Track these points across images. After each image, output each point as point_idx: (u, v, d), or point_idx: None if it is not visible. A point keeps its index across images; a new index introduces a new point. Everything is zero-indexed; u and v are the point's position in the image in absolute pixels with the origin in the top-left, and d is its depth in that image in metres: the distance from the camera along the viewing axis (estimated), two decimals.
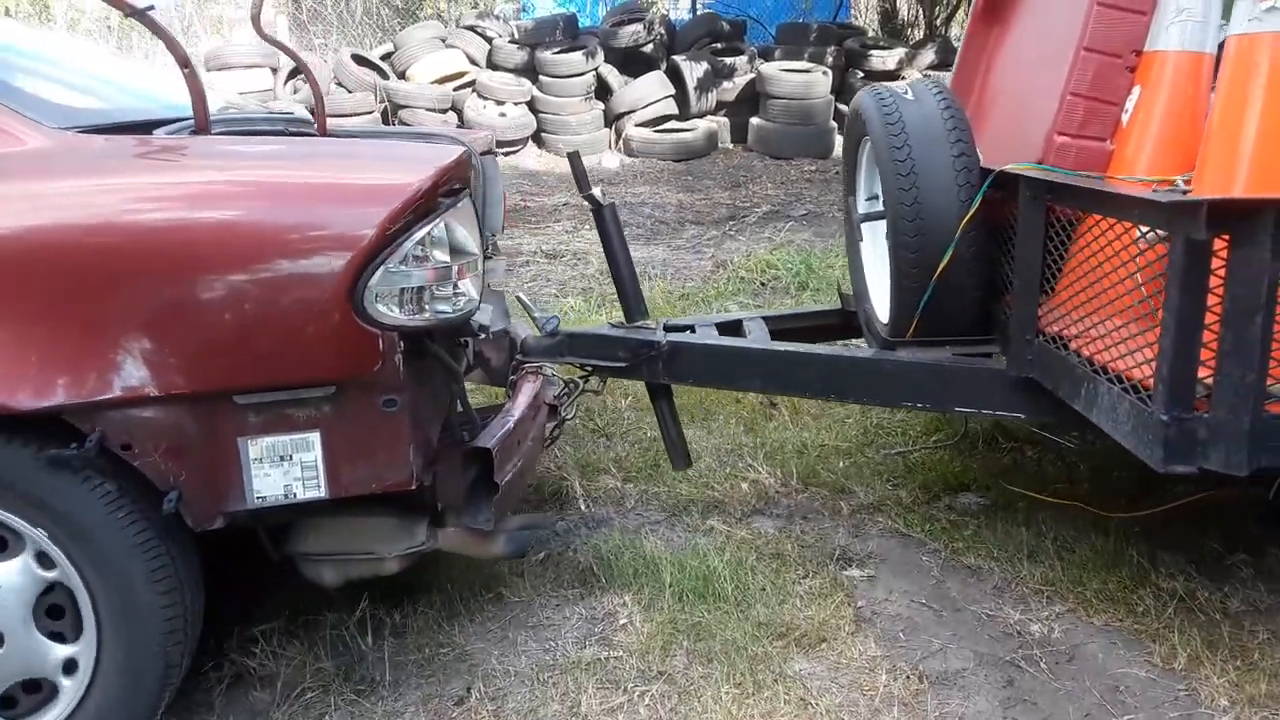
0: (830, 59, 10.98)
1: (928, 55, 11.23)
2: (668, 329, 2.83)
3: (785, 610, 2.42)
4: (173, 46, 1.87)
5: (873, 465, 3.27)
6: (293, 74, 10.89)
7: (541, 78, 11.26)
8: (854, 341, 3.29)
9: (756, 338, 2.87)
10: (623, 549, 2.69)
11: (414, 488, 1.85)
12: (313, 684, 2.19)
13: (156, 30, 1.86)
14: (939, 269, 2.49)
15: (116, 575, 1.76)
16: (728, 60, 11.25)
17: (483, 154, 3.08)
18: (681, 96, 11.32)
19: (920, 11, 13.91)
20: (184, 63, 1.88)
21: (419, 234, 1.78)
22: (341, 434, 1.79)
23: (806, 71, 10.82)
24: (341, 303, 1.71)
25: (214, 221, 1.70)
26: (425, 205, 1.82)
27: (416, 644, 2.33)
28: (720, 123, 11.21)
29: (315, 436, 1.78)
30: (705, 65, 11.42)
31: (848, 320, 3.24)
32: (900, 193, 2.51)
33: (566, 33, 11.46)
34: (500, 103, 11.11)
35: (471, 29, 11.58)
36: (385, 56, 11.35)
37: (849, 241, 3.17)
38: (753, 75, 11.08)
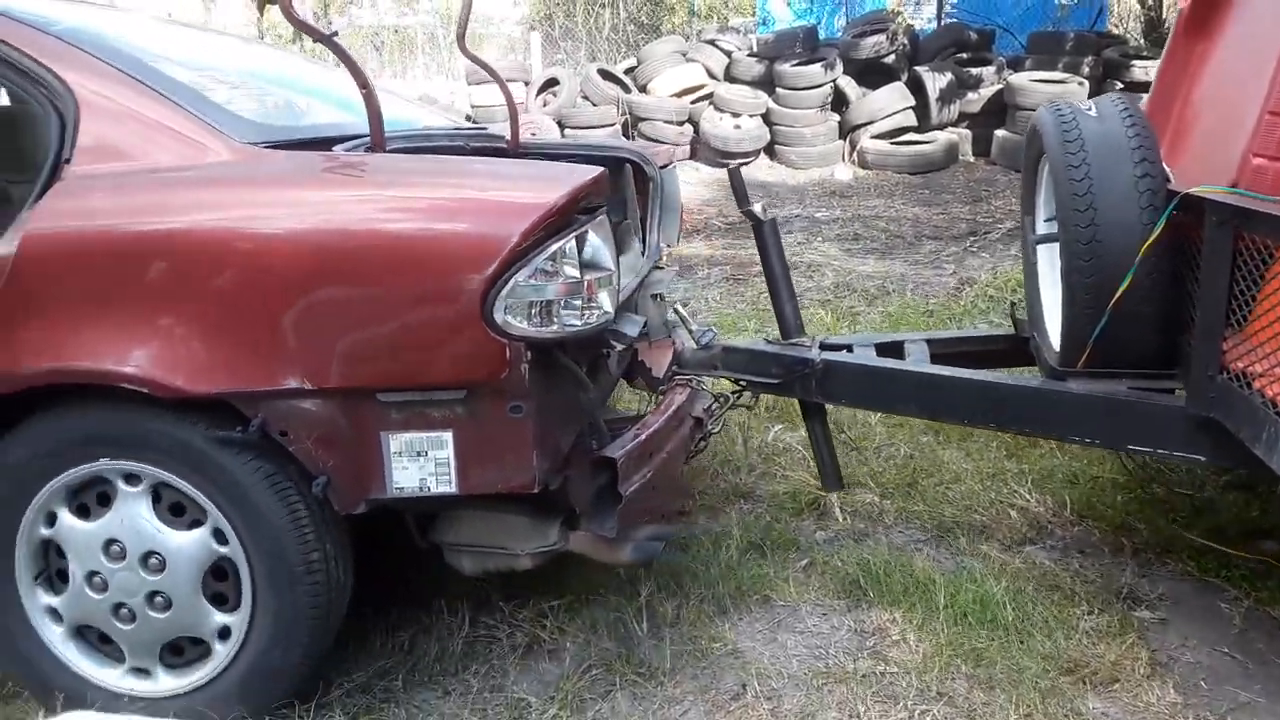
0: (1087, 69, 10.31)
1: None
2: (824, 347, 2.80)
3: (1071, 645, 2.33)
4: (354, 70, 2.03)
5: (1155, 502, 3.05)
6: (543, 88, 11.50)
7: (778, 90, 11.28)
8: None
9: (915, 360, 2.78)
10: (891, 565, 2.66)
11: (536, 490, 1.94)
12: (597, 662, 2.33)
13: (340, 55, 2.03)
14: (1116, 295, 2.32)
15: (273, 552, 1.96)
16: (974, 71, 10.81)
17: (662, 168, 3.16)
18: (922, 108, 11.00)
19: None
20: (363, 85, 2.04)
21: (549, 250, 1.86)
22: (471, 435, 1.91)
23: (1060, 82, 10.21)
24: (473, 313, 1.82)
25: (366, 233, 1.85)
26: (556, 223, 1.90)
27: (690, 635, 2.42)
28: (961, 135, 10.79)
29: (448, 436, 1.91)
30: (949, 76, 11.03)
31: (1019, 346, 3.07)
32: (1076, 213, 2.35)
33: (806, 45, 11.41)
34: (736, 115, 11.22)
35: (711, 43, 11.78)
36: (629, 70, 11.74)
37: (1025, 264, 3.03)
38: (1000, 86, 10.59)
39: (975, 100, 10.74)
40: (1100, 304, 2.36)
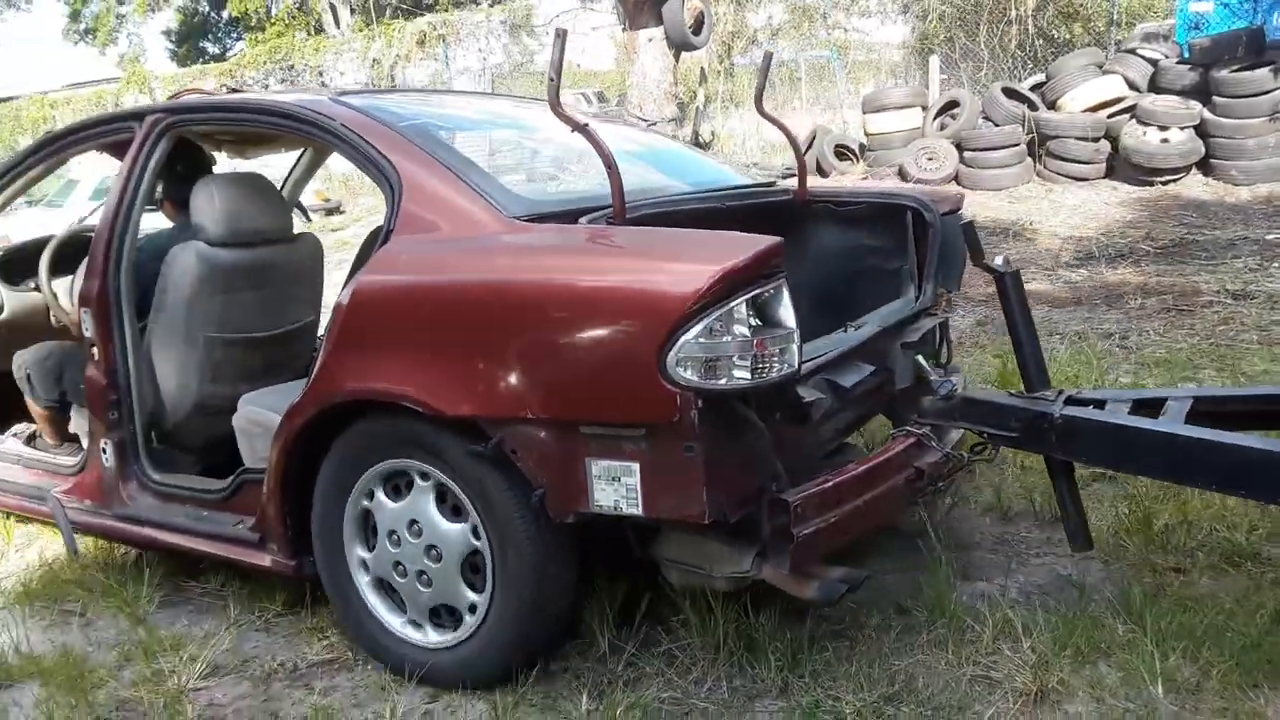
0: None
1: None
2: (1072, 401, 2.70)
3: None
4: (601, 152, 2.42)
5: None
6: (942, 110, 11.36)
7: (1215, 99, 10.14)
8: None
9: (1168, 419, 2.59)
10: None
11: (706, 522, 2.18)
12: None
13: (593, 141, 2.44)
14: None
15: (509, 550, 2.42)
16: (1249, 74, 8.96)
17: (945, 214, 3.24)
18: None
19: None
20: (609, 164, 2.42)
21: (718, 312, 2.11)
22: (653, 468, 2.20)
23: None
24: (650, 365, 2.11)
25: (574, 294, 2.25)
26: (727, 287, 2.12)
27: (1217, 707, 2.28)
28: None
29: (636, 466, 2.22)
30: None
31: None
32: None
33: (1251, 48, 10.14)
34: (1163, 128, 10.26)
35: (1132, 52, 10.87)
36: (1036, 87, 11.21)
37: None
38: None
39: None
40: None
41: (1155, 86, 10.51)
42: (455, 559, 2.53)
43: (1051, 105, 10.85)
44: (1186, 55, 10.59)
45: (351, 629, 2.80)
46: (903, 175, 10.90)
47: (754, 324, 2.19)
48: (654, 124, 10.49)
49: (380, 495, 2.65)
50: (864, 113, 11.72)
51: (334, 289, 2.90)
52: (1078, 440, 2.58)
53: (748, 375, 2.16)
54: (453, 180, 2.61)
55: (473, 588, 2.54)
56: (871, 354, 2.82)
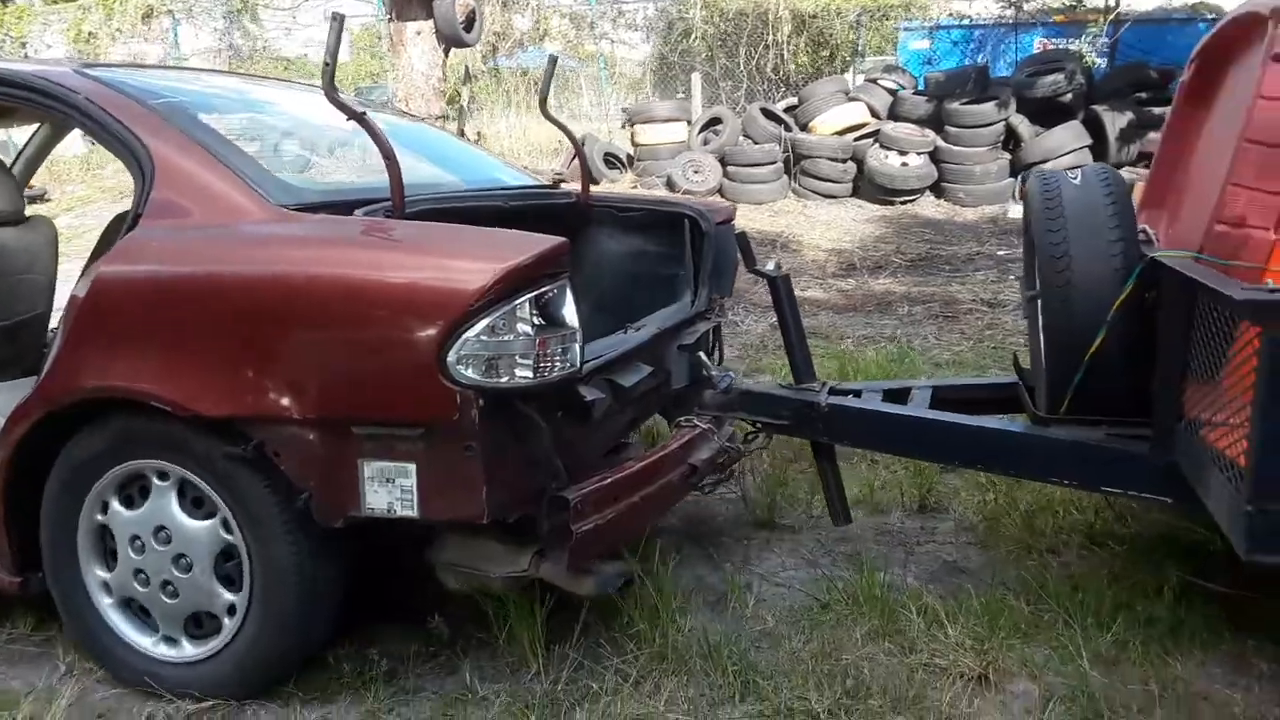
0: None
1: None
2: (833, 392, 2.93)
3: None
4: (379, 142, 2.31)
5: None
6: (705, 126, 11.82)
7: (947, 128, 11.12)
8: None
9: (916, 405, 2.88)
10: None
11: (484, 522, 2.15)
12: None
13: (371, 131, 2.32)
14: (1090, 349, 2.44)
15: (270, 553, 2.28)
16: (1155, 110, 10.30)
17: (719, 224, 3.34)
18: (1100, 148, 10.59)
19: None
20: (387, 155, 2.32)
21: (500, 310, 2.08)
22: (431, 468, 2.14)
23: None
24: (429, 364, 2.05)
25: (343, 288, 2.14)
26: (508, 287, 2.09)
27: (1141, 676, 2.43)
28: (1141, 174, 10.28)
29: (412, 467, 2.15)
30: (1130, 115, 10.58)
31: (1020, 394, 3.09)
32: (1054, 274, 2.49)
33: (978, 84, 11.20)
34: (903, 153, 11.15)
35: (874, 82, 11.73)
36: (790, 109, 11.86)
37: (1028, 318, 3.10)
38: None
39: (1156, 141, 10.22)
40: (1076, 357, 2.48)
41: (895, 115, 11.40)
42: (206, 558, 2.35)
43: (804, 127, 11.53)
44: (923, 87, 11.55)
45: (91, 650, 2.55)
46: (671, 186, 11.23)
47: (537, 323, 2.16)
48: (421, 119, 10.24)
49: (115, 505, 2.43)
50: (632, 124, 11.99)
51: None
52: (841, 425, 2.84)
53: (530, 374, 2.14)
54: (212, 164, 2.41)
55: (229, 587, 2.37)
56: (650, 355, 2.86)
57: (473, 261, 2.14)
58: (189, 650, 2.44)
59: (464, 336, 2.06)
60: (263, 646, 2.35)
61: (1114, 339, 2.43)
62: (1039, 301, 2.62)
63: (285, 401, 2.18)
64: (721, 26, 14.76)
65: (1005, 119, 10.97)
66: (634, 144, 11.97)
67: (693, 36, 14.70)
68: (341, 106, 2.32)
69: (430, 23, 10.14)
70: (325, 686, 2.46)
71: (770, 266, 2.95)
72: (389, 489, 2.18)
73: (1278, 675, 2.40)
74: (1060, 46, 13.55)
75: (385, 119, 4.02)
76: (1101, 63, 12.17)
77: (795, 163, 11.17)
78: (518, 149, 12.84)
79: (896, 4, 16.21)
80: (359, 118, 2.31)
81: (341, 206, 2.46)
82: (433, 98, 10.46)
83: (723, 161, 11.35)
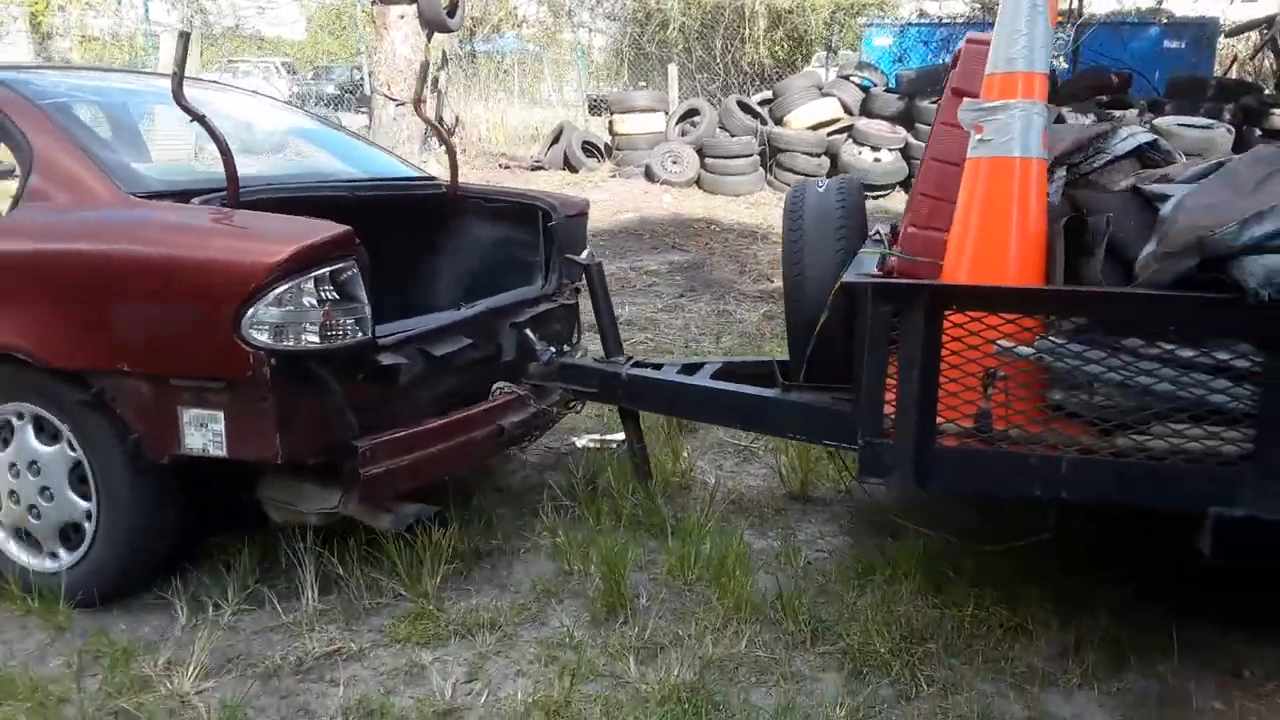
0: (1229, 115, 9.88)
1: None
2: (637, 365, 3.34)
3: None
4: (217, 139, 2.74)
5: None
6: (683, 117, 12.15)
7: (918, 125, 11.42)
8: None
9: (698, 377, 3.25)
10: None
11: (279, 463, 2.58)
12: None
13: (209, 130, 2.74)
14: (816, 328, 2.90)
15: (109, 472, 2.73)
16: (1115, 113, 10.53)
17: (570, 216, 3.75)
18: None
19: None
20: (223, 151, 2.75)
21: (286, 286, 2.51)
22: (235, 416, 2.57)
23: (1207, 128, 9.83)
24: (226, 328, 2.49)
25: (164, 264, 2.59)
26: (293, 267, 2.52)
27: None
28: None
29: (221, 414, 2.59)
30: (1092, 116, 10.80)
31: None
32: (792, 265, 2.97)
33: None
34: (875, 148, 11.46)
35: (847, 79, 12.02)
36: (764, 103, 12.17)
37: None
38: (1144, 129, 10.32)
39: None
40: (808, 335, 2.92)
41: (867, 111, 11.71)
42: (63, 475, 2.80)
43: (779, 121, 11.84)
44: (894, 85, 11.84)
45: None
46: (649, 175, 11.58)
47: (330, 297, 2.59)
48: (402, 103, 10.66)
49: None
50: (611, 113, 12.34)
51: None
52: (638, 393, 3.25)
53: (317, 340, 2.57)
54: (79, 157, 2.86)
55: (85, 499, 2.81)
56: (477, 330, 3.26)
57: (266, 244, 2.57)
58: (65, 559, 2.88)
59: (255, 306, 2.50)
60: (115, 551, 2.80)
61: (834, 320, 2.85)
62: (784, 288, 3.04)
63: (118, 357, 2.63)
64: (699, 19, 15.10)
65: None
66: (612, 133, 12.31)
67: (670, 28, 15.04)
68: (186, 109, 2.74)
69: (413, 7, 10.54)
70: (436, 633, 2.72)
71: (584, 255, 3.34)
72: (203, 432, 2.62)
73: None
74: None
75: (295, 119, 4.48)
76: (1065, 65, 12.42)
77: (771, 155, 11.49)
78: (496, 134, 13.22)
79: (869, 2, 16.58)
80: (200, 119, 2.75)
81: (186, 194, 2.89)
82: (415, 81, 10.85)
83: (700, 153, 11.67)
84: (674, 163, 11.64)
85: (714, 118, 11.93)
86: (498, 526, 3.31)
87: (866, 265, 2.75)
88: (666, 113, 12.25)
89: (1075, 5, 13.30)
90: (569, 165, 12.15)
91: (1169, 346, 2.12)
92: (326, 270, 2.59)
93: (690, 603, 2.85)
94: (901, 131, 11.52)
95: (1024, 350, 2.22)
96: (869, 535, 3.29)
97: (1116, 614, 2.67)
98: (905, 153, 11.32)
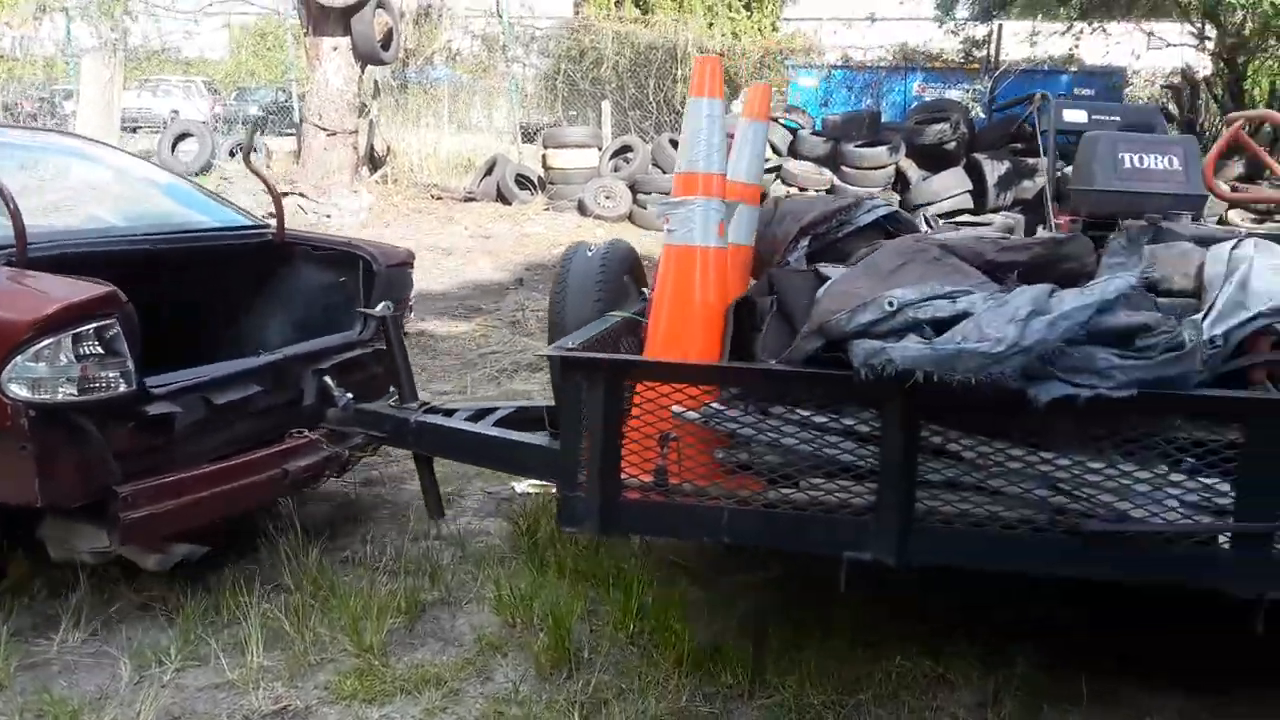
0: None
1: (1235, 168, 10.40)
2: (431, 410, 3.36)
3: None
4: (3, 196, 2.89)
5: None
6: (616, 154, 12.34)
7: (843, 168, 11.79)
8: None
9: (481, 424, 3.28)
10: None
11: (40, 506, 2.72)
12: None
13: None
14: None
15: None
16: (1030, 160, 11.06)
17: (392, 266, 3.93)
18: (979, 193, 11.34)
19: (1224, 124, 12.89)
20: (8, 203, 2.90)
21: (44, 342, 2.65)
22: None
23: None
24: None
25: None
26: (50, 325, 2.66)
27: None
28: (1016, 220, 10.97)
29: None
30: (1007, 164, 11.33)
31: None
32: (554, 321, 3.37)
33: (870, 128, 11.89)
34: (802, 189, 11.78)
35: (775, 120, 12.34)
36: None
37: None
38: (1058, 175, 10.80)
39: (1030, 188, 10.99)
40: None
41: (794, 152, 12.05)
42: None
43: None
44: (820, 128, 12.21)
45: None
46: (582, 209, 11.73)
47: (92, 352, 2.74)
48: (333, 133, 10.64)
49: None
50: (545, 147, 12.47)
51: None
52: (425, 438, 3.26)
53: (75, 392, 2.72)
54: None
55: None
56: (274, 376, 3.38)
57: (30, 303, 2.75)
58: None
59: (13, 362, 2.65)
60: None
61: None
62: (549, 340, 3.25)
63: None
64: (631, 58, 15.35)
65: (895, 162, 11.68)
66: (545, 167, 12.43)
67: (604, 66, 15.26)
68: None
69: (347, 39, 10.54)
70: (382, 689, 2.74)
71: (379, 308, 3.45)
72: None
73: None
74: (939, 92, 14.43)
75: (130, 169, 4.54)
76: (983, 113, 12.99)
77: None
78: (428, 165, 13.21)
79: (797, 48, 17.05)
80: None
81: None
82: (346, 113, 10.84)
83: (633, 189, 11.88)
84: (607, 198, 11.82)
85: (647, 154, 12.16)
86: (440, 577, 3.36)
87: (602, 326, 3.07)
88: (600, 148, 12.42)
89: (992, 54, 13.96)
90: (502, 197, 12.22)
91: (805, 413, 2.43)
92: (89, 327, 2.76)
93: (633, 656, 2.93)
94: (827, 173, 11.90)
95: (691, 415, 2.49)
96: (798, 581, 3.36)
97: (1033, 665, 2.83)
98: (831, 194, 11.66)
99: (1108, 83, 15.08)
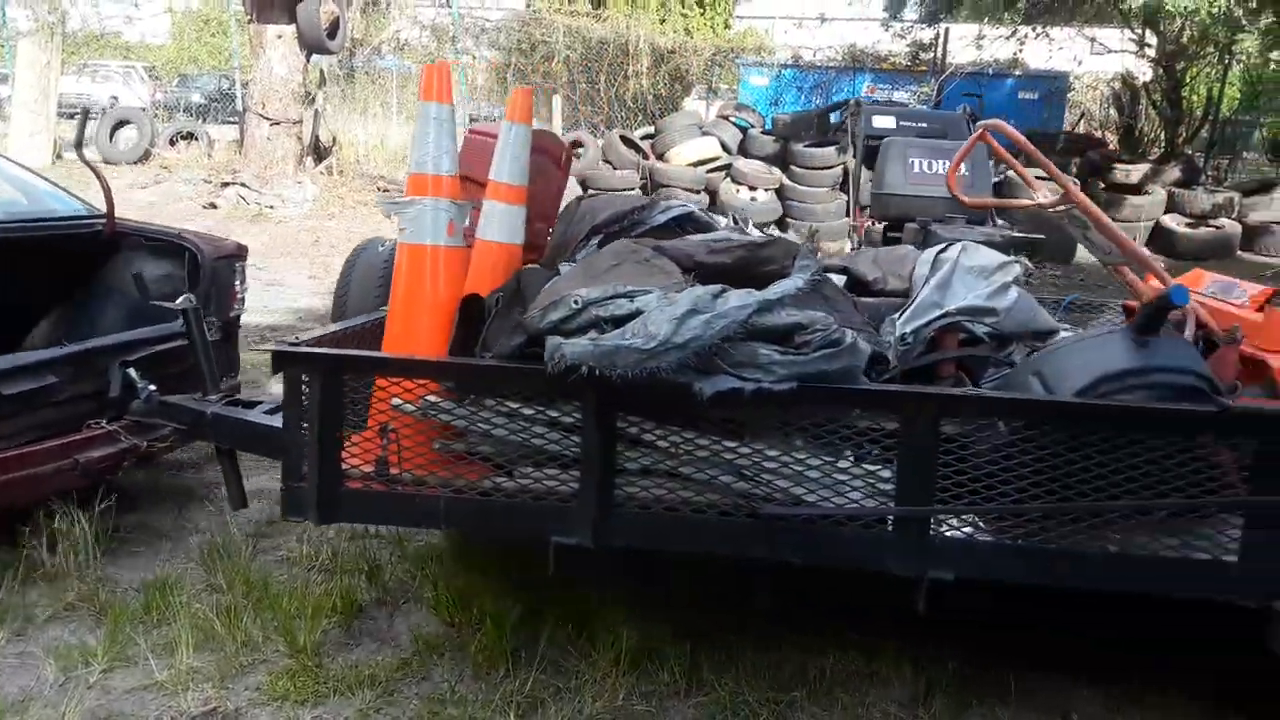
0: (1074, 169, 10.67)
1: (1173, 172, 10.60)
2: (231, 403, 3.31)
3: None
4: None
5: None
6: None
7: (792, 168, 11.86)
8: None
9: (274, 418, 3.14)
10: None
11: None
12: None
13: None
14: None
15: None
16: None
17: (220, 258, 3.94)
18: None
19: (1163, 130, 13.28)
20: None
21: None
22: None
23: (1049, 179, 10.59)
24: None
25: None
26: None
27: None
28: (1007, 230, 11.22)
29: None
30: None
31: None
32: (337, 311, 3.68)
33: (820, 129, 11.98)
34: (752, 188, 11.84)
35: (726, 119, 12.40)
36: (646, 138, 12.43)
37: None
38: (999, 178, 10.96)
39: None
40: None
41: (745, 151, 12.08)
42: None
43: (660, 156, 12.11)
44: (769, 127, 12.27)
45: None
46: None
47: None
48: (277, 123, 10.47)
49: None
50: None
51: None
52: (220, 429, 3.20)
53: None
54: None
55: None
56: (75, 368, 3.38)
57: None
58: None
59: None
60: None
61: None
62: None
63: None
64: (582, 52, 15.31)
65: (844, 163, 11.77)
66: None
67: (555, 60, 15.20)
68: None
69: (292, 28, 10.38)
70: (316, 690, 2.71)
71: (180, 300, 3.36)
72: None
73: None
74: (887, 93, 14.59)
75: None
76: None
77: (653, 189, 11.70)
78: (375, 156, 13.05)
79: (748, 47, 17.13)
80: None
81: None
82: (291, 101, 10.67)
83: (583, 185, 11.83)
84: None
85: (598, 150, 12.11)
86: (377, 577, 3.33)
87: (368, 319, 3.20)
88: None
89: (938, 56, 14.14)
90: None
91: (514, 405, 2.53)
92: None
93: (571, 655, 2.92)
94: (777, 172, 11.95)
95: (408, 407, 2.57)
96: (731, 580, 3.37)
97: (963, 662, 2.88)
98: (780, 193, 11.74)
99: (1051, 86, 15.36)
